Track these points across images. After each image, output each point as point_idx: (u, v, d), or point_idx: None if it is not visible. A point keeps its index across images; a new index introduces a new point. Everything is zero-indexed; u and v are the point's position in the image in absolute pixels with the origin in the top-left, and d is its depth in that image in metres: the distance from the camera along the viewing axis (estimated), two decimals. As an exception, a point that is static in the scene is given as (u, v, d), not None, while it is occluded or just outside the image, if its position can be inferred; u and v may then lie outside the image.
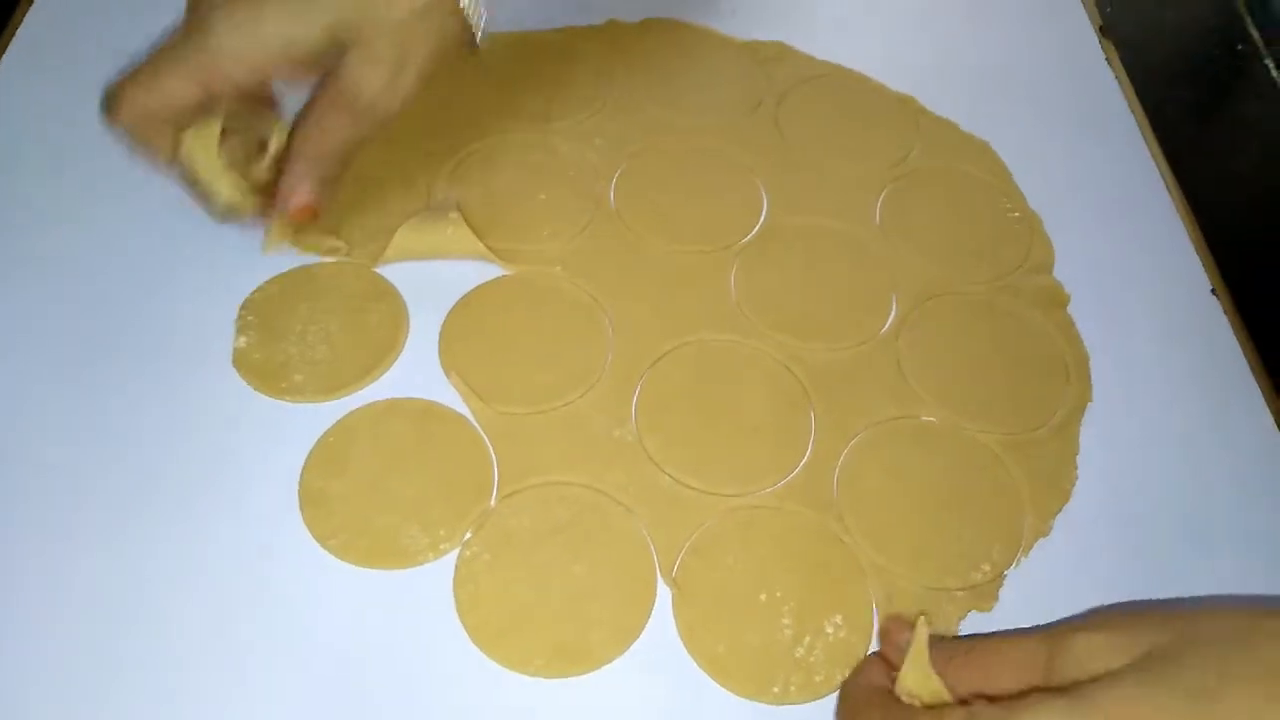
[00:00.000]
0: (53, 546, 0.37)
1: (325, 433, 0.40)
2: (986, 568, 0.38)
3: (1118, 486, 0.41)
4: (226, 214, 0.41)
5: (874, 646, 0.36)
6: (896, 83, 0.54)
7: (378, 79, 0.37)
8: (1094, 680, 0.28)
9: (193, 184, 0.40)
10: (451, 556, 0.37)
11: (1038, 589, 0.38)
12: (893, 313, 0.45)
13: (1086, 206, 0.50)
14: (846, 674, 0.35)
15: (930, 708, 0.31)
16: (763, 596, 0.37)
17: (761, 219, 0.48)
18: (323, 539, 0.37)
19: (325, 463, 0.39)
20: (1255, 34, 0.59)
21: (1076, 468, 0.41)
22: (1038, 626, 0.34)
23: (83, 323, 0.42)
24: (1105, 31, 0.58)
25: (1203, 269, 0.48)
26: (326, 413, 0.40)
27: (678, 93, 0.53)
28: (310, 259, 0.45)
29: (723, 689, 0.35)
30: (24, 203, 0.46)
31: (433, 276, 0.45)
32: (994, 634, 0.35)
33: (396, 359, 0.42)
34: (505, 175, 0.49)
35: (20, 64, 0.51)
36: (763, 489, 0.40)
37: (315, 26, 0.36)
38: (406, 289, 0.44)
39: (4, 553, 0.37)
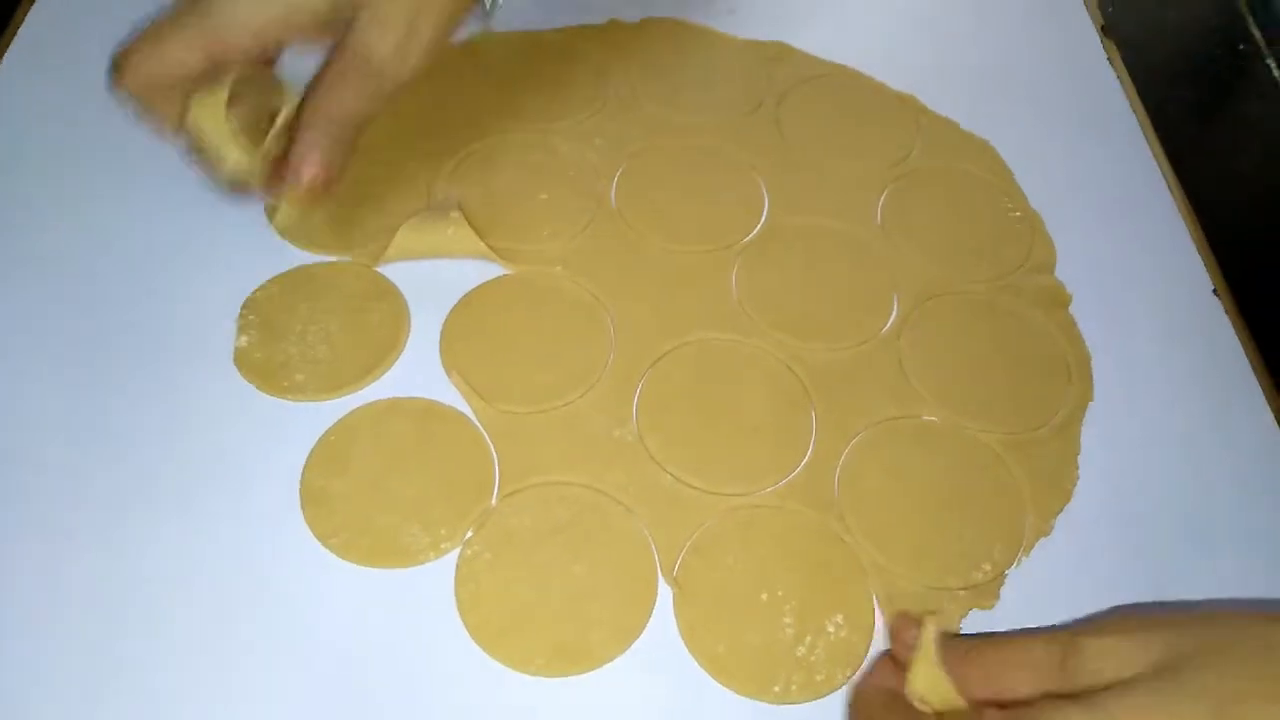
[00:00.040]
0: (53, 545, 0.37)
1: (326, 432, 0.40)
2: (988, 567, 0.38)
3: (1119, 486, 0.41)
4: (234, 184, 0.40)
5: (876, 645, 0.36)
6: (897, 82, 0.54)
7: (388, 42, 0.36)
8: (1108, 688, 0.27)
9: (200, 152, 0.39)
10: (452, 556, 0.37)
11: (1039, 588, 0.38)
12: (894, 312, 0.45)
13: (1088, 206, 0.50)
14: (848, 673, 0.35)
15: (940, 714, 0.31)
16: (764, 596, 0.37)
17: (762, 218, 0.48)
18: (324, 538, 0.37)
19: (326, 462, 0.39)
20: (1257, 34, 0.59)
21: (1078, 467, 0.41)
22: (1048, 627, 0.34)
23: (83, 322, 0.42)
24: (1107, 31, 0.58)
25: (1204, 269, 0.48)
26: (328, 412, 0.40)
27: (678, 92, 0.53)
28: (310, 258, 0.45)
29: (724, 688, 0.35)
30: (25, 202, 0.46)
31: (434, 276, 0.45)
32: (1007, 634, 0.34)
33: (398, 358, 0.42)
34: (506, 175, 0.49)
35: (21, 63, 0.51)
36: (764, 488, 0.40)
37: None
38: (407, 288, 0.44)
39: (4, 551, 0.37)
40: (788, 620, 0.36)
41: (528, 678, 0.35)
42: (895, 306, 0.46)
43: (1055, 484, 0.41)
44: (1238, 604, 0.38)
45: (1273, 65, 0.57)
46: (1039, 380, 0.44)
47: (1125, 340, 0.45)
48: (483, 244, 0.45)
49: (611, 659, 0.35)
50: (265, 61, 0.39)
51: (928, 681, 0.31)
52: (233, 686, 0.34)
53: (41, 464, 0.39)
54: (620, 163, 0.50)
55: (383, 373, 0.42)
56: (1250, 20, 0.60)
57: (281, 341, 0.42)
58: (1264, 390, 0.44)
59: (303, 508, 0.38)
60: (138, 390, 0.41)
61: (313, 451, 0.39)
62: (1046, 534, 0.39)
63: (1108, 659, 0.28)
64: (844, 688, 0.35)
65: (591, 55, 0.54)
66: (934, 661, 0.31)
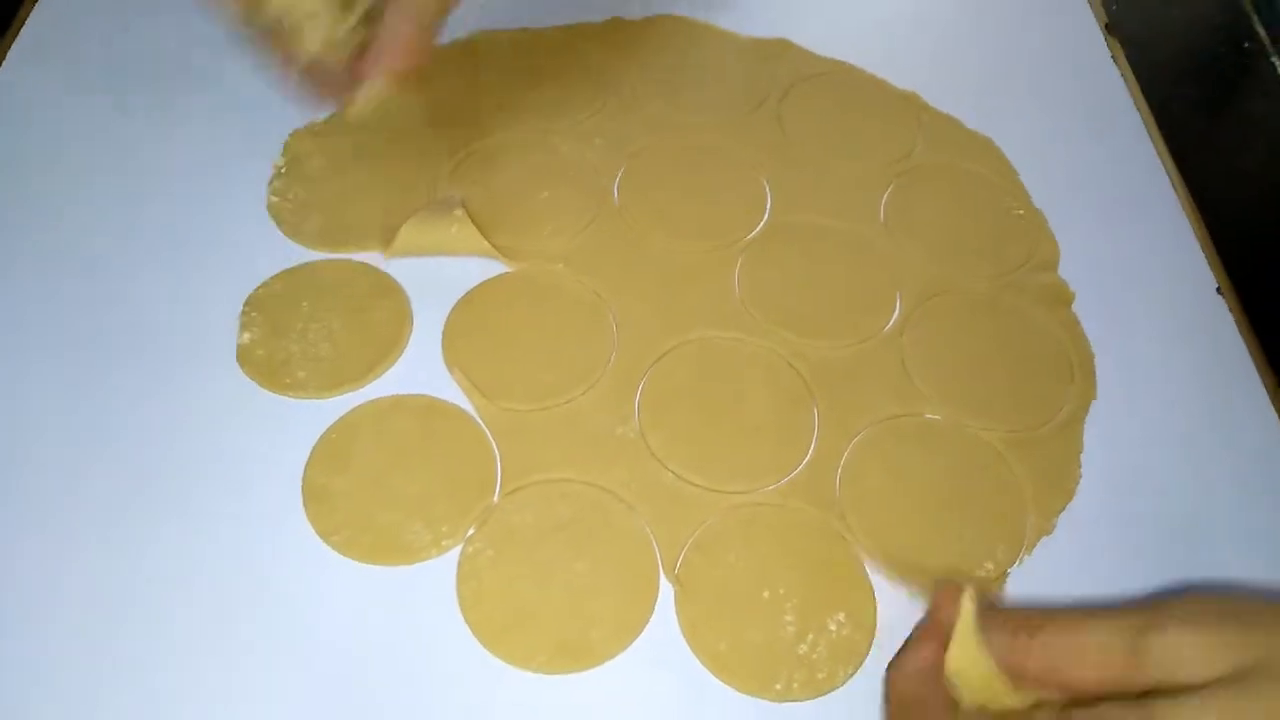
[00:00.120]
0: (54, 542, 0.37)
1: (328, 429, 0.40)
2: (990, 566, 0.38)
3: (1122, 485, 0.41)
4: (310, 70, 0.38)
5: (878, 644, 0.36)
6: (900, 79, 0.54)
7: None
8: (1179, 697, 0.25)
9: (277, 34, 0.37)
10: (454, 553, 0.37)
11: (1041, 587, 0.38)
12: (896, 310, 0.45)
13: (1091, 204, 0.50)
14: (850, 671, 0.35)
15: (983, 707, 0.28)
16: (765, 594, 0.37)
17: (765, 216, 0.48)
18: (326, 535, 0.37)
19: (328, 459, 0.39)
20: (1262, 31, 0.59)
21: (1080, 466, 0.41)
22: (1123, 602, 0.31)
23: (85, 319, 0.43)
24: (1111, 28, 0.58)
25: (1208, 267, 0.48)
26: (330, 409, 0.41)
27: (680, 90, 0.53)
28: (311, 255, 0.45)
29: (725, 686, 0.35)
30: (27, 200, 0.46)
31: (436, 273, 0.45)
32: (1066, 612, 0.29)
33: (400, 355, 0.42)
34: (508, 172, 0.49)
35: (24, 61, 0.51)
36: (765, 486, 0.40)
37: None
38: (410, 286, 0.44)
39: (5, 549, 0.37)
40: (789, 618, 0.36)
41: (529, 675, 0.35)
42: (897, 304, 0.45)
43: (1057, 483, 0.41)
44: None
45: (1277, 63, 0.57)
46: (1041, 379, 0.43)
47: (1128, 339, 0.45)
48: (485, 242, 0.45)
49: (613, 656, 0.35)
50: None
51: (965, 660, 0.29)
52: (234, 684, 0.34)
53: (42, 461, 0.39)
54: (622, 161, 0.50)
55: (385, 370, 0.42)
56: (1255, 18, 0.59)
57: (284, 339, 0.42)
58: (1268, 389, 0.44)
59: (304, 505, 0.38)
60: (140, 387, 0.41)
61: (314, 449, 0.39)
62: (1049, 533, 0.39)
63: (1183, 656, 0.25)
64: (845, 686, 0.35)
65: (593, 53, 0.54)
66: (973, 641, 0.29)
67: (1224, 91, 0.58)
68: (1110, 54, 0.57)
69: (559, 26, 0.55)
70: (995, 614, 0.29)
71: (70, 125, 0.49)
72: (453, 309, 0.44)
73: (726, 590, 0.37)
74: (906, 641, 0.32)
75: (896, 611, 0.37)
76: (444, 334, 0.43)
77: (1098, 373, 0.44)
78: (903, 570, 0.37)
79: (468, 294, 0.44)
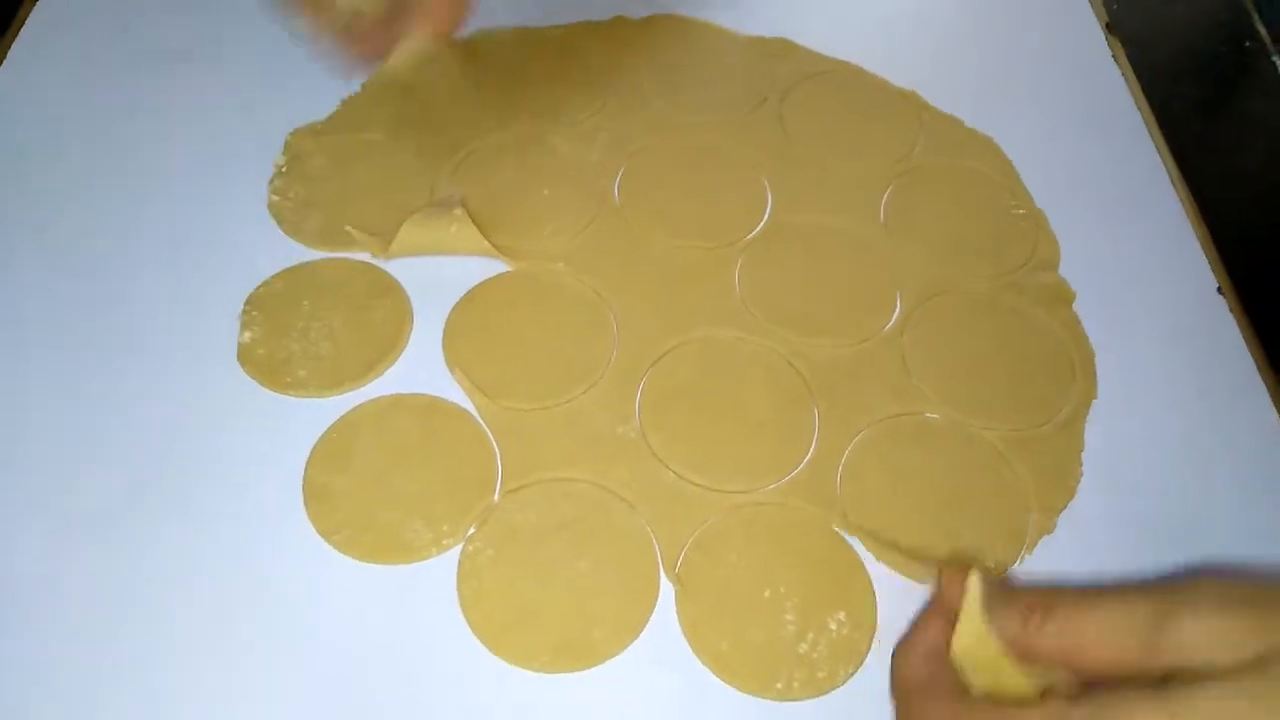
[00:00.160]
0: (55, 541, 0.37)
1: (329, 428, 0.40)
2: (990, 565, 0.38)
3: (1123, 484, 0.41)
4: (346, 29, 0.37)
5: (879, 642, 0.36)
6: (900, 78, 0.54)
7: None
8: (1200, 681, 0.24)
9: None
10: (455, 552, 0.37)
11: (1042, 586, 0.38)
12: (897, 309, 0.45)
13: (1092, 203, 0.50)
14: (850, 670, 0.35)
15: (991, 693, 0.27)
16: (766, 593, 0.37)
17: (765, 216, 0.48)
18: (326, 534, 0.37)
19: (329, 458, 0.39)
20: (1263, 30, 0.59)
21: (1081, 465, 0.41)
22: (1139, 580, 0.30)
23: (86, 318, 0.43)
24: (1111, 28, 0.58)
25: (1209, 267, 0.48)
26: (330, 408, 0.41)
27: (681, 89, 0.53)
28: (312, 254, 0.45)
29: (726, 685, 0.35)
30: (30, 199, 0.46)
31: (437, 273, 0.45)
32: (1083, 592, 0.28)
33: (400, 355, 0.42)
34: (509, 171, 0.49)
35: (25, 60, 0.51)
36: (766, 485, 0.40)
37: None
38: (410, 285, 0.44)
39: (6, 548, 0.37)
40: (790, 617, 0.36)
41: (530, 674, 0.35)
42: (898, 304, 0.45)
43: (1058, 482, 0.41)
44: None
45: (1278, 62, 0.57)
46: (1042, 378, 0.43)
47: (1129, 338, 0.45)
48: (485, 241, 0.45)
49: (614, 655, 0.35)
50: None
51: (971, 642, 0.28)
52: (234, 684, 0.34)
53: (43, 460, 0.39)
54: (623, 160, 0.50)
55: (385, 369, 0.42)
56: (1256, 17, 0.59)
57: (284, 338, 0.42)
58: (1268, 388, 0.44)
59: (305, 504, 0.38)
60: (140, 386, 0.41)
61: (315, 448, 0.39)
62: (1050, 531, 0.39)
63: (1197, 642, 0.24)
64: (845, 685, 0.35)
65: (596, 51, 0.54)
66: (980, 621, 0.28)
67: (1225, 91, 0.58)
68: (1111, 53, 0.57)
69: (560, 25, 0.55)
70: (1005, 594, 0.28)
71: (70, 125, 0.49)
72: (453, 308, 0.44)
73: (727, 589, 0.37)
74: (913, 623, 0.32)
75: (897, 610, 0.37)
76: (445, 333, 0.43)
77: (1098, 372, 0.44)
78: (905, 560, 0.37)
79: (468, 293, 0.44)
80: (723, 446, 0.40)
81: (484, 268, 0.45)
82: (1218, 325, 0.46)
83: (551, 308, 0.44)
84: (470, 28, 0.54)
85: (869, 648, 0.36)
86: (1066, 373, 0.44)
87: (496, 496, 0.39)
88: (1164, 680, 0.24)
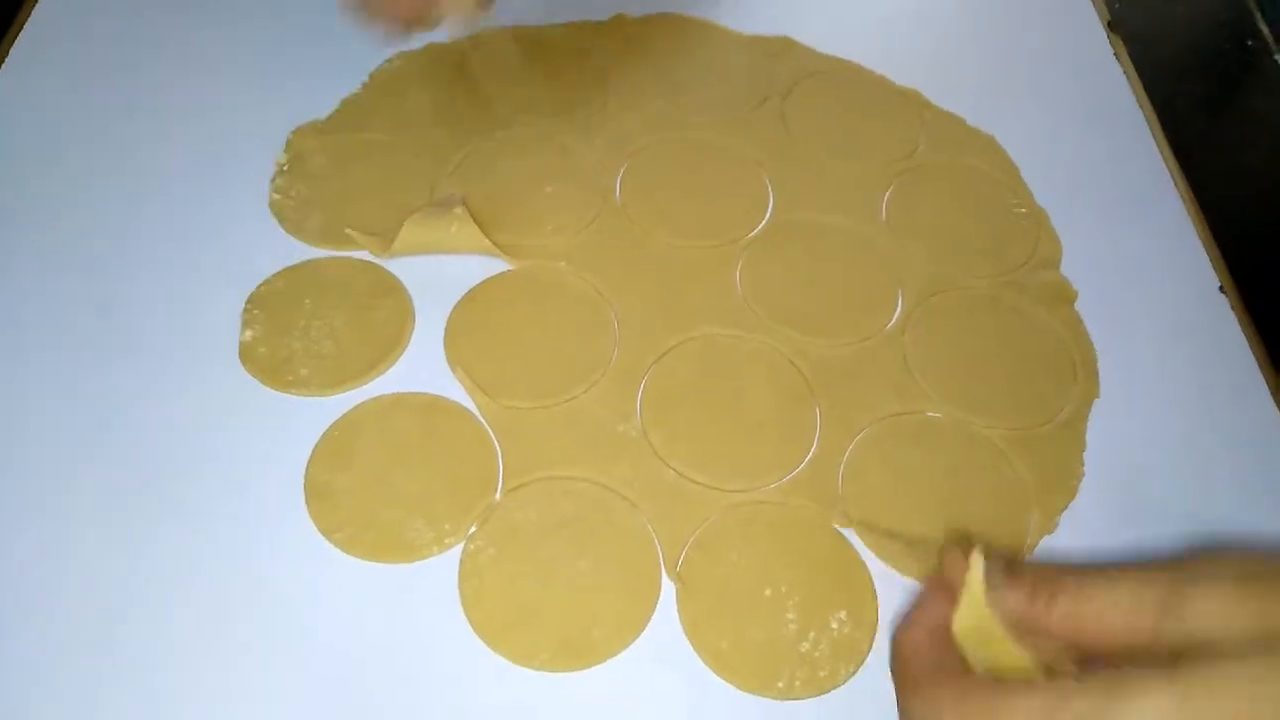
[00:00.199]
0: (56, 540, 0.37)
1: (330, 426, 0.40)
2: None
3: (1124, 483, 0.41)
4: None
5: (880, 641, 0.36)
6: (902, 77, 0.54)
7: None
8: (1210, 660, 0.23)
9: None
10: (456, 551, 0.37)
11: (1043, 585, 0.38)
12: (898, 308, 0.45)
13: (1094, 202, 0.50)
14: (851, 669, 0.35)
15: (992, 672, 0.26)
16: (767, 592, 0.37)
17: (767, 214, 0.48)
18: (328, 532, 0.37)
19: (331, 456, 0.39)
20: (1265, 29, 0.59)
21: (1083, 464, 0.41)
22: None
23: (87, 317, 0.43)
24: (1114, 26, 0.58)
25: (1211, 265, 0.47)
26: (332, 407, 0.41)
27: (683, 87, 0.53)
28: (314, 253, 0.45)
29: (727, 684, 0.35)
30: (31, 198, 0.46)
31: (438, 271, 0.45)
32: (1088, 571, 0.27)
33: (402, 353, 0.42)
34: (510, 170, 0.49)
35: (26, 59, 0.51)
36: (767, 484, 0.40)
37: None
38: (412, 284, 0.44)
39: (8, 545, 0.37)
40: (791, 616, 0.36)
41: (531, 672, 0.35)
42: (899, 302, 0.45)
43: (1060, 481, 0.41)
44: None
45: (1281, 60, 0.57)
46: (1044, 377, 0.43)
47: (1130, 337, 0.45)
48: (487, 240, 0.45)
49: (615, 654, 0.35)
50: None
51: (972, 620, 0.27)
52: (235, 682, 0.34)
53: (44, 459, 0.39)
54: (624, 158, 0.50)
55: (387, 368, 0.42)
56: (1258, 15, 0.59)
57: (286, 336, 0.42)
58: (1270, 387, 0.44)
59: (307, 503, 0.38)
60: (142, 385, 0.41)
61: (317, 446, 0.39)
62: (1051, 531, 0.39)
63: (1216, 617, 0.24)
64: (846, 684, 0.35)
65: (597, 50, 0.54)
66: (982, 599, 0.27)
67: (1227, 89, 0.58)
68: (1113, 51, 0.57)
69: (561, 24, 0.55)
70: (1009, 573, 0.27)
71: (70, 125, 0.49)
72: (455, 307, 0.44)
73: (728, 588, 0.37)
74: (914, 601, 0.31)
75: (898, 609, 0.37)
76: (446, 332, 0.43)
77: (1100, 371, 0.44)
78: (905, 550, 0.37)
79: (469, 292, 0.44)
80: (724, 445, 0.40)
81: (485, 267, 0.45)
82: (1220, 324, 0.46)
83: (553, 306, 0.44)
84: (470, 28, 0.54)
85: (870, 647, 0.36)
86: (1068, 372, 0.44)
87: (498, 495, 0.39)
88: (1174, 659, 0.23)
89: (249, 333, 0.42)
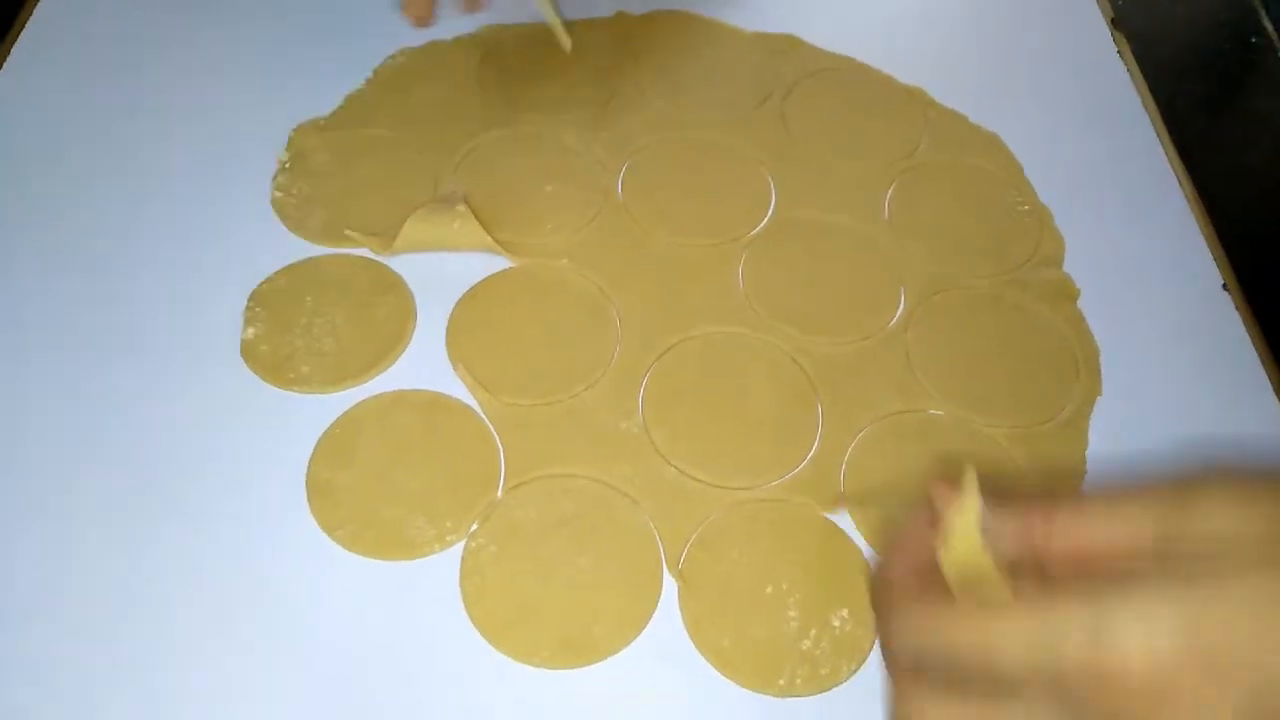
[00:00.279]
0: (58, 538, 0.37)
1: (332, 424, 0.40)
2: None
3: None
4: None
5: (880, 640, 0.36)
6: (905, 74, 0.54)
7: None
8: (1220, 567, 0.21)
9: None
10: (458, 548, 0.37)
11: (1045, 584, 0.37)
12: (900, 306, 0.45)
13: (1097, 200, 0.50)
14: (853, 667, 0.35)
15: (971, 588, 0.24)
16: (769, 589, 0.37)
17: (769, 212, 0.48)
18: (330, 530, 0.37)
19: (332, 454, 0.39)
20: (1269, 27, 0.59)
21: (1086, 462, 0.41)
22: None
23: (89, 316, 0.43)
24: (1117, 24, 0.58)
25: (1214, 264, 0.47)
26: (334, 404, 0.41)
27: (685, 85, 0.53)
28: (315, 250, 0.45)
29: (728, 681, 0.35)
30: (33, 198, 0.46)
31: (440, 269, 0.45)
32: (1083, 496, 0.25)
33: (403, 351, 0.42)
34: (512, 168, 0.49)
35: (28, 59, 0.51)
36: (769, 482, 0.40)
37: None
38: (414, 281, 0.44)
39: (11, 543, 0.37)
40: (792, 614, 0.36)
41: (532, 670, 0.35)
42: (901, 301, 0.45)
43: (1063, 479, 0.40)
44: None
45: (1284, 59, 0.57)
46: (1046, 375, 0.43)
47: (1134, 335, 0.45)
48: (489, 237, 0.45)
49: (616, 652, 0.35)
50: None
51: (963, 552, 0.24)
52: (239, 677, 0.34)
53: (47, 458, 0.39)
54: (626, 156, 0.49)
55: (389, 365, 0.42)
56: (1262, 14, 0.59)
57: (288, 334, 0.42)
58: (1273, 385, 0.43)
59: (308, 500, 0.38)
60: (143, 383, 0.41)
61: (318, 444, 0.39)
62: (1053, 529, 0.39)
63: (1228, 525, 0.22)
64: (848, 681, 0.35)
65: (599, 47, 0.54)
66: (974, 527, 0.24)
67: (1230, 88, 0.58)
68: (1116, 50, 0.57)
69: (565, 21, 0.55)
70: (1000, 505, 0.25)
71: (72, 124, 0.49)
72: (456, 304, 0.44)
73: (730, 586, 0.37)
74: (898, 533, 0.28)
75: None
76: (448, 329, 0.43)
77: (1103, 369, 0.44)
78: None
79: (471, 289, 0.44)
80: (725, 443, 0.40)
81: (487, 264, 0.45)
82: (1223, 322, 0.46)
83: (554, 304, 0.44)
84: (475, 23, 0.54)
85: (872, 645, 0.36)
86: (1070, 370, 0.44)
87: (499, 493, 0.39)
88: (1179, 572, 0.21)
89: (251, 330, 0.42)
